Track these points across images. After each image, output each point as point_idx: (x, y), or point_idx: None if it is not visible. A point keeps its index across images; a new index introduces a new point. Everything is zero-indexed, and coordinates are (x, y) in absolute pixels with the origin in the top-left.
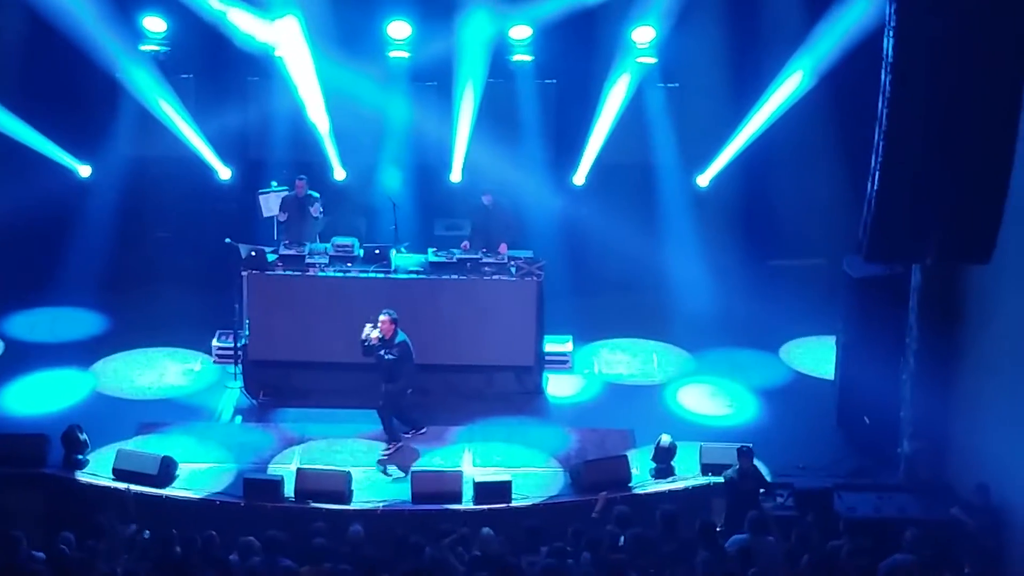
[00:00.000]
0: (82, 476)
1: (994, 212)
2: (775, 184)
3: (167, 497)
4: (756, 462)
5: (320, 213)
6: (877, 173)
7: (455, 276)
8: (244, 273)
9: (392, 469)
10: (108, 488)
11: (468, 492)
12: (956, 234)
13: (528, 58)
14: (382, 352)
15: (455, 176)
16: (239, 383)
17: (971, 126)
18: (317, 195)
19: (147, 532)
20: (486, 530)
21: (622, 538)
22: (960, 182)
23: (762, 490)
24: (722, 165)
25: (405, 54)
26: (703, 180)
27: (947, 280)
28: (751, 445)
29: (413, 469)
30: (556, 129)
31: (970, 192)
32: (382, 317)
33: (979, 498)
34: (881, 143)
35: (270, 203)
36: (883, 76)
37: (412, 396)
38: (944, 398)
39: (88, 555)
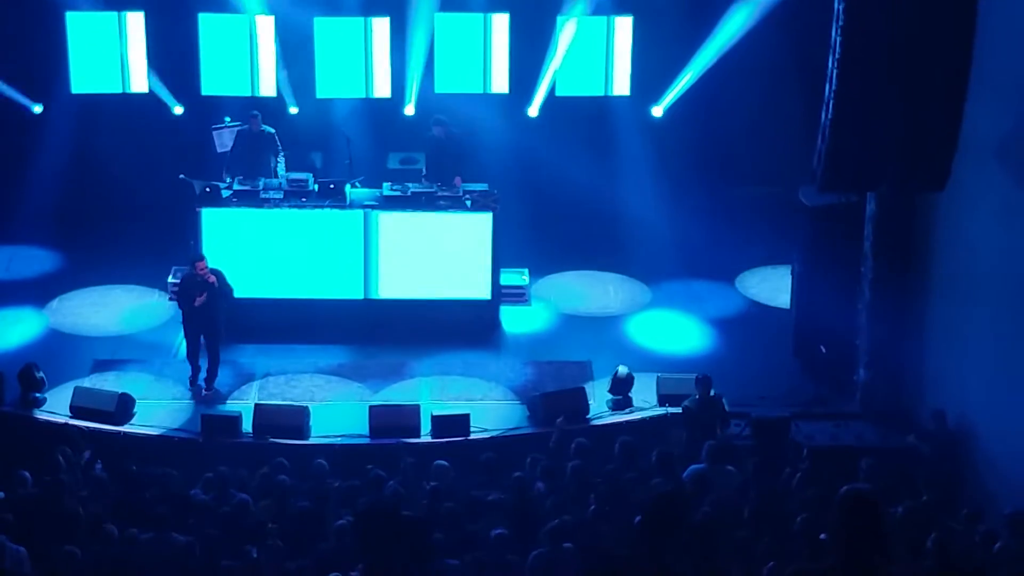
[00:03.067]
0: (39, 414)
1: (949, 139)
2: (730, 113)
3: (125, 434)
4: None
5: (279, 161)
6: (831, 102)
7: (410, 210)
8: (199, 209)
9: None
10: (65, 425)
11: (426, 425)
12: (911, 162)
13: None
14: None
15: (409, 110)
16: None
17: (926, 52)
18: (272, 130)
19: (99, 464)
20: (440, 462)
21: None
22: (915, 109)
23: (720, 420)
24: (677, 95)
25: None
26: (658, 111)
27: (902, 208)
28: (709, 375)
29: (370, 403)
30: (510, 60)
31: (925, 119)
32: (200, 264)
33: (935, 425)
34: (835, 71)
35: (224, 138)
36: (836, 2)
37: None
38: (899, 326)
39: (46, 492)
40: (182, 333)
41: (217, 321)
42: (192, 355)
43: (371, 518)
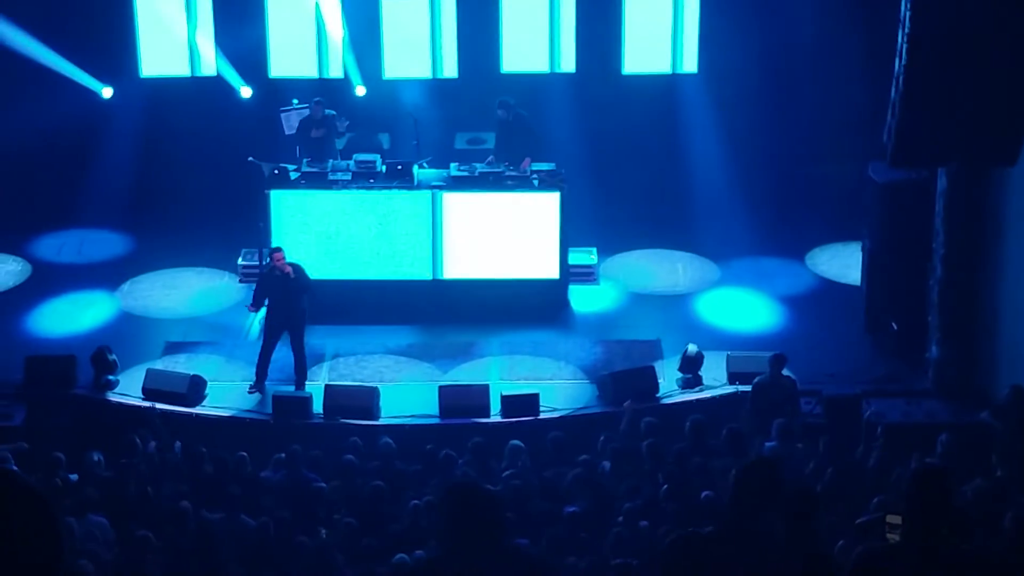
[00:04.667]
0: (112, 396)
1: (1020, 114)
2: (800, 90)
3: (197, 415)
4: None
5: (345, 128)
6: (901, 77)
7: (478, 190)
8: (267, 191)
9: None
10: (139, 408)
11: (495, 405)
12: (981, 137)
13: None
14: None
15: (474, 89)
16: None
17: (995, 27)
18: (334, 112)
19: (178, 445)
20: (515, 442)
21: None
22: (985, 84)
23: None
24: (746, 71)
25: None
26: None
27: (973, 183)
28: (783, 353)
29: (440, 384)
30: (577, 39)
31: (995, 94)
32: (277, 255)
33: (1011, 401)
34: (905, 46)
35: (292, 120)
36: None
37: None
38: (972, 302)
39: (120, 474)
40: (260, 330)
41: (299, 317)
42: (264, 357)
43: (459, 495)
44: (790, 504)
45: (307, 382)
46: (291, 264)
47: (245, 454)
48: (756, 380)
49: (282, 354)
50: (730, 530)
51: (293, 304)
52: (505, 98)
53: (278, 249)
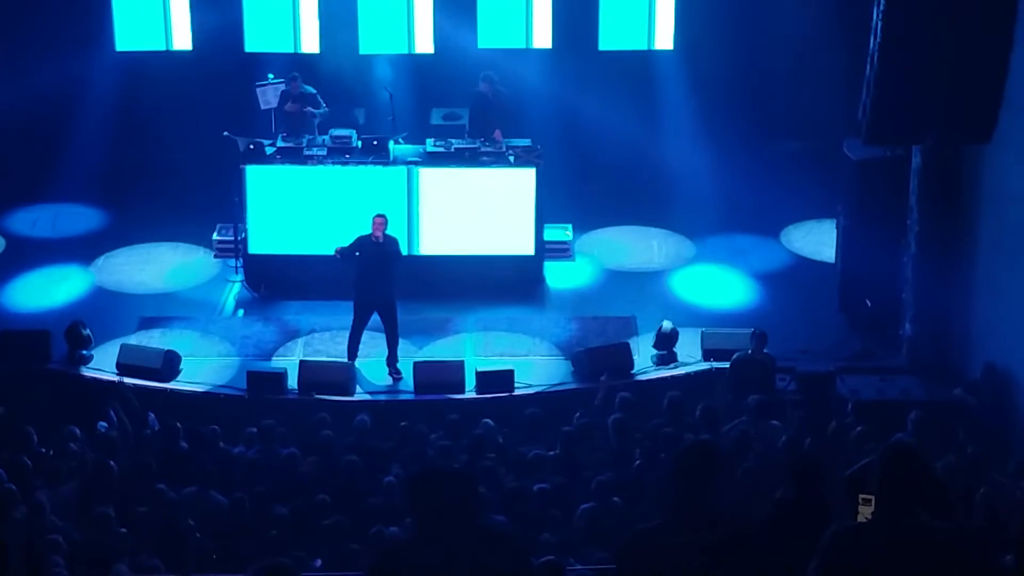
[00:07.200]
0: (87, 371)
1: (994, 91)
2: (775, 67)
3: (171, 390)
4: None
5: (318, 111)
6: (876, 54)
7: (453, 166)
8: (243, 166)
9: None
10: (112, 382)
11: (470, 381)
12: (956, 114)
13: None
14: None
15: (450, 65)
16: (240, 276)
17: (970, 5)
18: (313, 90)
19: (152, 415)
20: (486, 421)
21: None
22: (960, 61)
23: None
24: (722, 48)
25: None
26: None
27: (948, 161)
28: (765, 331)
29: (415, 359)
30: (553, 15)
31: (970, 71)
32: (377, 219)
33: (985, 378)
34: (880, 24)
35: (267, 95)
36: None
37: None
38: (946, 279)
39: (92, 448)
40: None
41: (389, 293)
42: (355, 335)
43: (423, 480)
44: (796, 474)
45: (286, 357)
46: (387, 234)
47: (217, 428)
48: (736, 356)
49: (256, 329)
50: (677, 518)
51: (383, 275)
52: (488, 72)
53: (381, 215)
